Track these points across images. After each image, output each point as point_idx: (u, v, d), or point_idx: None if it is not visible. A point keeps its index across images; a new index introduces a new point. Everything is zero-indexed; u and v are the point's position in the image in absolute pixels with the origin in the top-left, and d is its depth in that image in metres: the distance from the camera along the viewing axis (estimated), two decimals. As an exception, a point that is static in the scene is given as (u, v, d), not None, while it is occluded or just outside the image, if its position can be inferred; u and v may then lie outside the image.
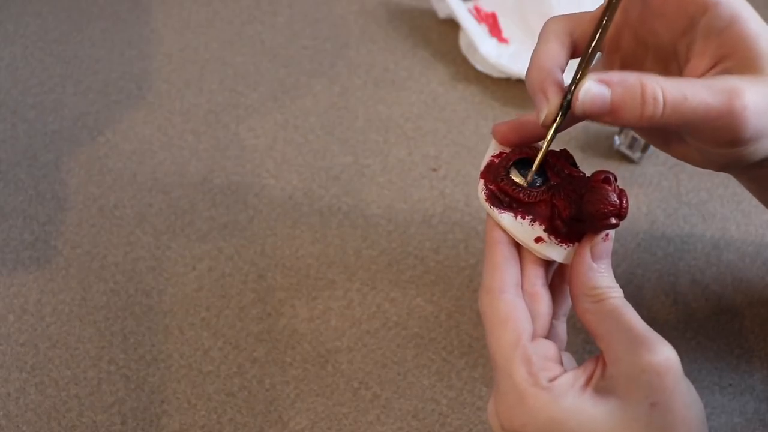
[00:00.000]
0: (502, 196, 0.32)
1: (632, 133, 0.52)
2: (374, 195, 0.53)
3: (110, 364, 0.46)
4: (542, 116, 0.30)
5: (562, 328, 0.34)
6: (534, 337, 0.30)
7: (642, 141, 0.52)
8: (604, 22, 0.29)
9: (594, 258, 0.30)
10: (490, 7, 0.61)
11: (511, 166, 0.32)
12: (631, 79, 0.28)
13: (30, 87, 0.59)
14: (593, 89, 0.28)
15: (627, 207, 0.30)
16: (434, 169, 0.54)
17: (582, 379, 0.29)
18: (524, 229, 0.32)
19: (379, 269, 0.49)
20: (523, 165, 0.32)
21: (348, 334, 0.47)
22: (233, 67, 0.60)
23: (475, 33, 0.58)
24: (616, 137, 0.53)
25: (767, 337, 0.46)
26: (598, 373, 0.29)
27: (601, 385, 0.29)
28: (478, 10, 0.60)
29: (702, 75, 0.30)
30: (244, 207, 0.52)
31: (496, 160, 0.33)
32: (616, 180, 0.30)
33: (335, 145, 0.55)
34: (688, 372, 0.44)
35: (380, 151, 0.55)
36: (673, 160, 0.53)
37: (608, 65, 0.34)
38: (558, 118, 0.30)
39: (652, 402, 0.28)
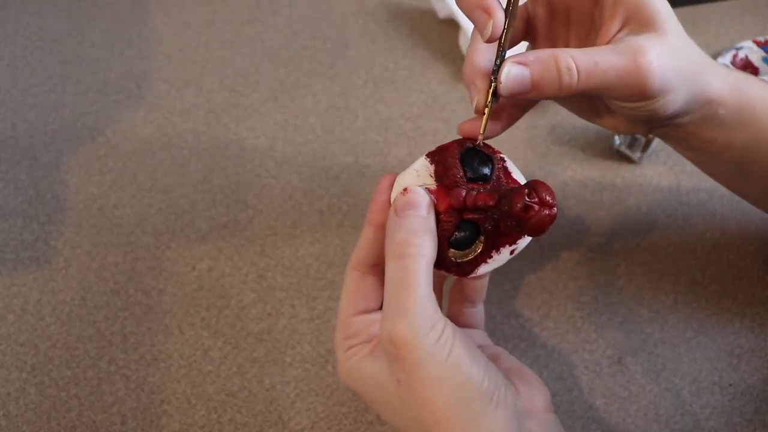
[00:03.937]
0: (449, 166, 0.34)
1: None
2: (374, 195, 0.52)
3: (110, 364, 0.46)
4: (474, 103, 0.34)
5: (479, 314, 0.39)
6: (367, 311, 0.34)
7: (642, 141, 0.52)
8: (511, 10, 0.33)
9: (396, 212, 0.33)
10: (490, 7, 0.61)
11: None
12: (544, 55, 0.31)
13: (30, 87, 0.59)
14: (513, 71, 0.31)
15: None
16: (434, 169, 0.54)
17: (368, 348, 0.33)
18: (422, 171, 0.34)
19: (379, 269, 0.49)
20: (472, 157, 0.34)
21: (348, 334, 0.47)
22: (233, 67, 0.60)
23: (475, 33, 0.58)
24: (616, 137, 0.53)
25: (767, 338, 0.46)
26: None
27: (381, 348, 0.32)
28: (478, 10, 0.60)
29: (612, 38, 0.33)
30: (244, 207, 0.52)
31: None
32: (541, 196, 0.31)
33: (335, 145, 0.55)
34: (688, 372, 0.45)
35: (380, 151, 0.55)
36: (673, 160, 0.53)
37: (538, 49, 0.37)
38: (489, 104, 0.33)
39: (398, 378, 0.30)
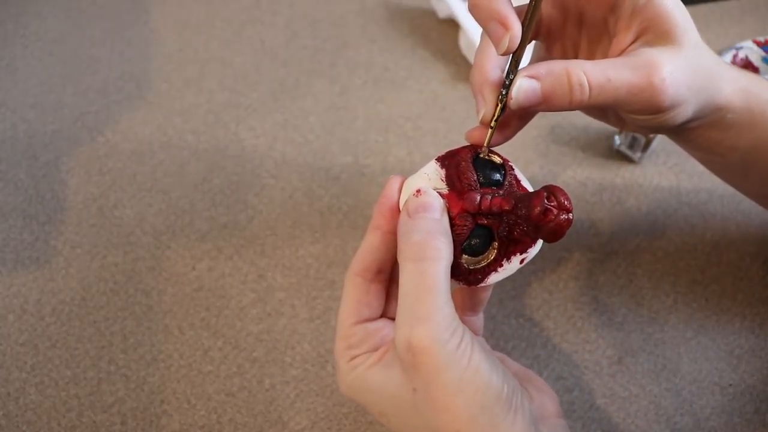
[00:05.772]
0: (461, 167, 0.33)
1: (632, 133, 0.52)
2: (374, 195, 0.52)
3: (110, 364, 0.46)
4: (480, 115, 0.33)
5: (479, 321, 0.38)
6: (370, 319, 0.33)
7: (642, 141, 0.52)
8: (531, 17, 0.31)
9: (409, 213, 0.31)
10: (490, 7, 0.61)
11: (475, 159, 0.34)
12: (557, 69, 0.31)
13: (30, 87, 0.59)
14: (524, 85, 0.31)
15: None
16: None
17: (375, 357, 0.32)
18: (432, 175, 0.33)
19: (379, 269, 0.49)
20: (484, 162, 0.34)
21: (348, 334, 0.47)
22: (233, 67, 0.60)
23: (475, 33, 0.58)
24: (616, 137, 0.53)
25: (767, 338, 0.46)
26: (390, 345, 0.31)
27: (390, 356, 0.31)
28: (478, 10, 0.60)
29: (626, 48, 0.33)
30: (244, 207, 0.52)
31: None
32: (559, 205, 0.31)
33: (335, 145, 0.55)
34: (688, 372, 0.45)
35: (380, 151, 0.55)
36: (673, 160, 0.53)
37: (549, 49, 0.37)
38: (496, 116, 0.33)
39: (414, 387, 0.29)
